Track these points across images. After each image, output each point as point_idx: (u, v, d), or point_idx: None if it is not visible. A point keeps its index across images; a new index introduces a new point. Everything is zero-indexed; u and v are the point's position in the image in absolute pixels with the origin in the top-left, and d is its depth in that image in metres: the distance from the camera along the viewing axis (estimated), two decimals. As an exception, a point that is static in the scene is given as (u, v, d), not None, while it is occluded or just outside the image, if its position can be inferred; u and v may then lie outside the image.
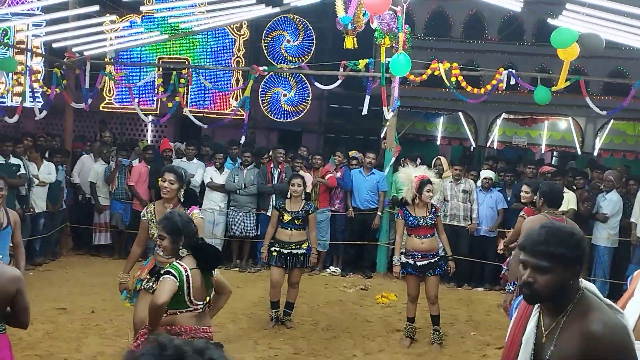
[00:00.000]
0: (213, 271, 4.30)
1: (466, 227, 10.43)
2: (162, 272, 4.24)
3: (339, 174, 10.87)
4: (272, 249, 7.71)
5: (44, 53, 12.80)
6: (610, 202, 9.93)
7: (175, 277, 4.07)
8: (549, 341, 2.68)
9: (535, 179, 9.21)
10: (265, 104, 13.06)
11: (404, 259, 7.26)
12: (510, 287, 6.42)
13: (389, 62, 10.62)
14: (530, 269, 2.67)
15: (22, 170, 9.72)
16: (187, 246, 4.21)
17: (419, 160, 11.05)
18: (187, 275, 4.10)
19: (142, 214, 5.77)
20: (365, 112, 11.15)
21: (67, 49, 11.67)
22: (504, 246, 7.68)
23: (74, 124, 12.99)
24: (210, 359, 1.52)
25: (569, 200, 9.32)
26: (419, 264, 7.19)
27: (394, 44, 10.07)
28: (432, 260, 7.21)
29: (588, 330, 2.55)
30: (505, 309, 6.43)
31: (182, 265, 4.12)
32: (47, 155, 10.65)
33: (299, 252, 7.67)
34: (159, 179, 5.68)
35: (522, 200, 7.71)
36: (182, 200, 5.60)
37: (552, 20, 9.85)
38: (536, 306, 2.80)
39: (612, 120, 15.22)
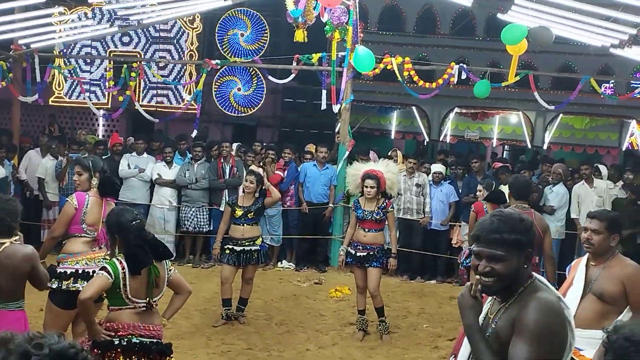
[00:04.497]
0: (158, 271, 4.22)
1: (419, 220, 10.52)
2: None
3: (286, 172, 10.82)
4: (226, 246, 7.67)
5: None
6: (557, 194, 10.13)
7: (109, 273, 4.05)
8: (492, 322, 2.72)
9: (490, 179, 9.35)
10: (219, 98, 12.94)
11: (348, 249, 7.39)
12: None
13: (342, 56, 10.66)
14: (485, 259, 2.69)
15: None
16: (127, 246, 4.16)
17: (373, 155, 11.12)
18: (124, 273, 4.06)
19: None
20: (324, 106, 11.11)
21: (13, 42, 11.38)
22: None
23: (22, 119, 12.69)
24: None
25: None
26: (358, 254, 7.31)
27: (344, 38, 10.09)
28: (371, 253, 7.28)
29: (525, 306, 2.59)
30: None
31: (120, 262, 4.08)
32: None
33: (253, 248, 7.63)
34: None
35: (479, 200, 7.92)
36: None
37: (501, 15, 10.00)
38: (490, 297, 2.84)
39: (561, 114, 15.53)
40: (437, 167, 10.80)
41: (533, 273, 2.77)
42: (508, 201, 7.15)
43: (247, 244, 7.60)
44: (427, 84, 11.30)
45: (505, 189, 7.91)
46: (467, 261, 7.68)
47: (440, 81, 11.22)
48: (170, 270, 4.39)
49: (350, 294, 9.11)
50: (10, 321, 4.21)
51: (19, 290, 4.35)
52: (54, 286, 5.27)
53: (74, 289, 5.13)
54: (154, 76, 12.96)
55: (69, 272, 5.38)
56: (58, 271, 5.38)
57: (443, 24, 16.14)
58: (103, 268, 4.11)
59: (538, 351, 2.50)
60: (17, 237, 4.36)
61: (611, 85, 15.60)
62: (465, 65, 11.39)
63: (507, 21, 9.63)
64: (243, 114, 13.23)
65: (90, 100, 12.97)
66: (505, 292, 2.73)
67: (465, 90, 13.92)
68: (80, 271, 5.37)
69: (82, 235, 5.56)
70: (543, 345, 2.51)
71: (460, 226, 10.49)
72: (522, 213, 2.90)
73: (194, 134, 11.83)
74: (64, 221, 5.59)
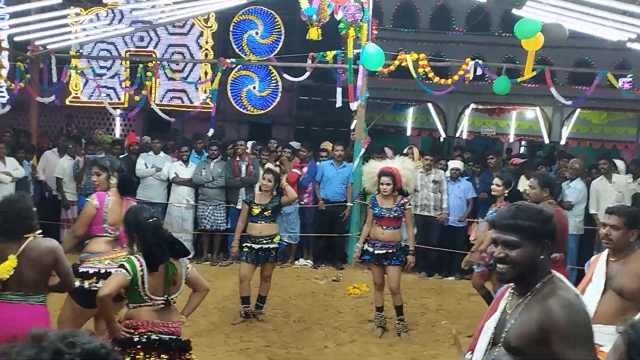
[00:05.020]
0: (176, 268, 4.27)
1: (436, 217, 10.50)
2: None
3: (305, 169, 10.82)
4: (244, 244, 7.68)
5: (8, 47, 12.56)
6: (574, 190, 10.05)
7: (127, 271, 4.11)
8: (511, 317, 2.72)
9: (508, 173, 9.26)
10: (233, 93, 12.97)
11: (364, 246, 7.39)
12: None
13: (357, 53, 10.63)
14: (500, 245, 2.71)
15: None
16: (144, 244, 4.22)
17: (389, 151, 11.10)
18: (143, 270, 4.11)
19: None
20: (339, 103, 11.10)
21: (30, 43, 11.48)
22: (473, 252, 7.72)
23: (40, 119, 12.79)
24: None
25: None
26: (376, 252, 7.30)
27: (359, 36, 10.08)
28: (390, 251, 7.28)
29: (547, 305, 2.58)
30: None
31: (138, 260, 4.14)
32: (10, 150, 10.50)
33: (271, 246, 7.64)
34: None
35: (493, 193, 7.65)
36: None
37: (516, 11, 9.94)
38: (508, 292, 2.84)
39: (579, 110, 15.41)
40: (455, 164, 10.76)
41: (552, 270, 2.76)
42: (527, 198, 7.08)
43: (265, 241, 7.61)
44: (443, 81, 11.25)
45: (524, 185, 7.86)
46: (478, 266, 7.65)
47: (456, 77, 11.18)
48: (188, 268, 4.44)
49: (368, 291, 9.12)
50: (30, 316, 4.18)
51: (40, 283, 4.33)
52: (76, 284, 5.30)
53: (95, 288, 5.14)
54: (169, 75, 13.03)
55: (91, 272, 5.42)
56: (80, 270, 5.42)
57: (458, 20, 16.07)
58: (121, 266, 4.16)
59: (589, 349, 2.54)
60: (40, 231, 4.37)
61: (629, 79, 15.45)
62: (480, 61, 11.33)
63: (522, 16, 9.56)
64: (251, 113, 13.16)
65: (107, 100, 13.06)
66: (521, 282, 2.74)
67: (481, 86, 13.86)
68: (102, 271, 5.40)
69: (104, 235, 5.60)
70: (589, 343, 2.55)
71: (477, 222, 10.44)
72: (544, 207, 2.91)
73: (210, 132, 11.87)
74: (85, 221, 5.62)
